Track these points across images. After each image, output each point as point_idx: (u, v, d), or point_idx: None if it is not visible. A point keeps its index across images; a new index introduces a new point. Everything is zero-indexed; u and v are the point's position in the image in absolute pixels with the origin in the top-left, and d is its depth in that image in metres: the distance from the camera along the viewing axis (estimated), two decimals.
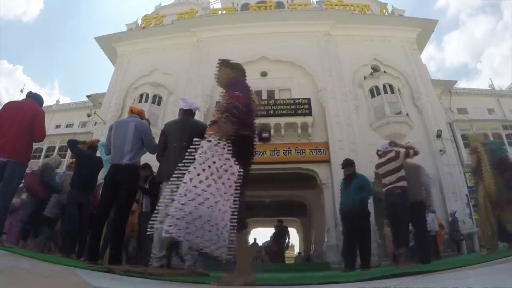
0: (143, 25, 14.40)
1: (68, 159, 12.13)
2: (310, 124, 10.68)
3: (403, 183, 3.94)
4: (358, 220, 4.22)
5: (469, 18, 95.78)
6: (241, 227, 1.86)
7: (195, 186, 1.71)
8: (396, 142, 4.43)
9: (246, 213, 1.99)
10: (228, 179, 1.79)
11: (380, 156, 4.37)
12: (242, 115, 1.94)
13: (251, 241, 14.13)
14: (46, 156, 14.30)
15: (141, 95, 11.94)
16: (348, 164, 4.56)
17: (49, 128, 14.68)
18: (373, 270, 3.92)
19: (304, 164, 10.31)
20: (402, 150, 4.18)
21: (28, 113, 3.20)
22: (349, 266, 4.20)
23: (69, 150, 5.63)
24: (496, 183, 3.54)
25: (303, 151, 10.38)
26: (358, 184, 4.38)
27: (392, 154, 4.15)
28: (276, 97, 11.70)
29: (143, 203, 4.28)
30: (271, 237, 11.22)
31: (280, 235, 10.64)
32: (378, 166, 4.29)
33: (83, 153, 4.35)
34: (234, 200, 1.76)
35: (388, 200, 4.00)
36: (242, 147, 1.94)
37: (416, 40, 13.01)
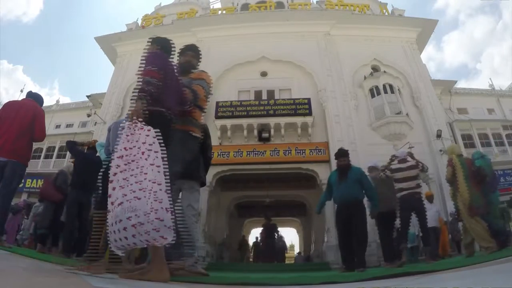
0: (143, 25, 14.39)
1: (68, 159, 12.14)
2: (310, 124, 10.67)
3: (420, 189, 4.49)
4: (355, 215, 3.93)
5: (468, 18, 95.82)
6: None
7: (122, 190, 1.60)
8: (413, 155, 4.77)
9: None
10: (145, 160, 1.65)
11: (392, 161, 4.68)
12: (157, 90, 1.81)
13: (252, 240, 14.11)
14: (46, 156, 14.32)
15: None
16: (343, 154, 4.27)
17: (49, 128, 14.68)
18: (373, 270, 3.92)
19: (304, 164, 10.31)
20: (419, 163, 4.59)
21: (28, 113, 3.20)
22: (349, 267, 3.96)
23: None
24: (470, 192, 3.82)
25: (303, 151, 10.38)
26: (356, 177, 4.09)
27: (413, 163, 4.54)
28: (276, 97, 11.69)
29: None
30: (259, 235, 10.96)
31: (269, 234, 10.50)
32: (395, 170, 4.53)
33: (82, 154, 4.35)
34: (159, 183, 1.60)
35: (406, 203, 4.37)
36: (155, 125, 1.79)
37: (416, 40, 13.02)
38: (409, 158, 4.63)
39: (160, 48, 2.11)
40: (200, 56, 2.60)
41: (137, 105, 1.78)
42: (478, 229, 3.78)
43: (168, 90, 1.93)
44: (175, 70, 2.09)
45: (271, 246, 10.44)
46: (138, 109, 1.76)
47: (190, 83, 2.38)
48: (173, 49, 2.20)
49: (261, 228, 11.21)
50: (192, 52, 2.57)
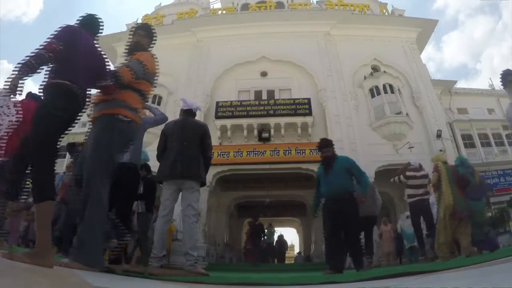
0: None
1: (68, 159, 12.13)
2: (310, 124, 10.68)
3: (428, 197, 5.01)
4: (347, 209, 3.44)
5: (468, 18, 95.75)
6: (39, 197, 1.61)
7: None
8: (422, 166, 5.28)
9: (46, 179, 1.70)
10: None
11: (407, 169, 5.19)
12: (44, 62, 1.75)
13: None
14: None
15: None
16: (326, 145, 3.88)
17: None
18: (373, 270, 3.91)
19: (304, 164, 10.30)
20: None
21: (28, 113, 3.20)
22: (337, 267, 3.42)
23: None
24: (454, 197, 4.01)
25: (303, 151, 10.38)
26: (344, 167, 3.65)
27: (425, 172, 5.10)
28: (276, 97, 11.71)
29: (139, 203, 4.27)
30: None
31: (257, 234, 10.36)
32: (409, 177, 5.05)
33: (81, 154, 4.35)
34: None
35: (415, 207, 4.96)
36: (56, 97, 1.76)
37: (416, 40, 13.03)
38: (419, 168, 5.18)
39: (80, 23, 2.07)
40: (154, 37, 2.44)
41: (14, 78, 1.69)
42: (440, 237, 3.97)
43: (70, 62, 1.84)
44: (94, 45, 2.05)
45: (259, 245, 10.26)
46: (13, 82, 1.67)
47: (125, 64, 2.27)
48: (101, 25, 2.18)
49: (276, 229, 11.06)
50: (142, 32, 2.41)
